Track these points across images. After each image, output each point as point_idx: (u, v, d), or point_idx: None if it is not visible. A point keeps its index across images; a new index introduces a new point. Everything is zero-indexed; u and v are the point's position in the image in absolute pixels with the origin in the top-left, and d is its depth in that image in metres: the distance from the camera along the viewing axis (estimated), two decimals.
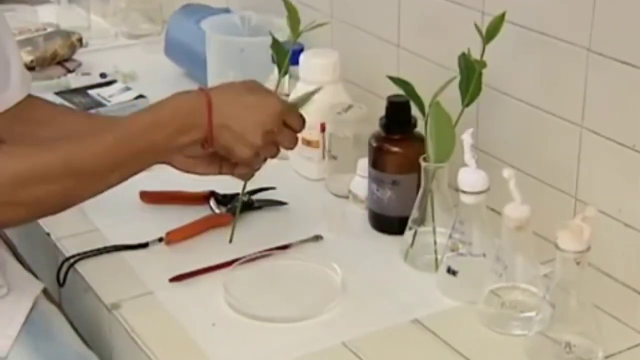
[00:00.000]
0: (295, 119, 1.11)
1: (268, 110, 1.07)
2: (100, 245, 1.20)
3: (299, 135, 1.35)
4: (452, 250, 1.09)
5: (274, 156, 1.12)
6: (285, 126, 1.09)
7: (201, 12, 1.69)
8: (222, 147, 1.08)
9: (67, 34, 1.81)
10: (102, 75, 1.72)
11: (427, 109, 1.12)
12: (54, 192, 1.01)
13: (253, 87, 1.11)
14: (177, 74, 1.74)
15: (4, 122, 1.13)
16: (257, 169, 1.16)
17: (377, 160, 1.22)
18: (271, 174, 1.37)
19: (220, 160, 1.14)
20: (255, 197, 1.31)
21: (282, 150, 1.41)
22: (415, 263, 1.16)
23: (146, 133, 1.05)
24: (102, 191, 1.06)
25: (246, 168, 1.13)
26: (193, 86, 1.63)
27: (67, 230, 1.24)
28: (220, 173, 1.17)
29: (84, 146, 1.03)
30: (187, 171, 1.15)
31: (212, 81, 1.56)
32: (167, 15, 1.85)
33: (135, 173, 1.08)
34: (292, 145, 1.11)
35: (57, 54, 1.76)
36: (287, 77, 1.40)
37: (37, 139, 1.18)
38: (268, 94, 1.10)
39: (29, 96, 1.18)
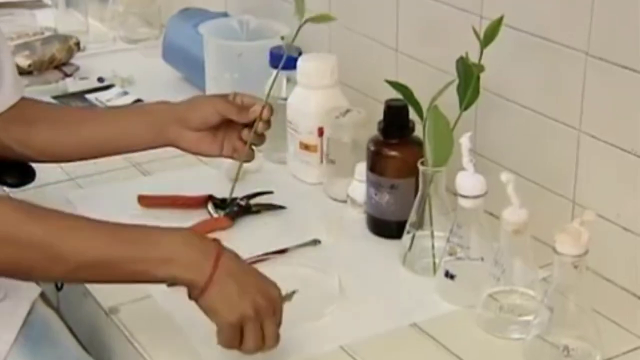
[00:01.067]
0: (281, 313, 0.99)
1: (267, 291, 0.98)
2: None
3: (299, 140, 1.36)
4: (450, 254, 1.09)
5: (252, 347, 0.97)
6: (274, 314, 0.98)
7: (199, 16, 1.69)
8: (210, 301, 0.96)
9: (64, 38, 1.80)
10: (100, 79, 1.72)
11: (425, 113, 1.12)
12: (17, 259, 0.94)
13: (255, 271, 1.02)
14: (175, 78, 1.74)
15: None
16: (251, 159, 1.18)
17: (375, 165, 1.22)
18: (269, 178, 1.38)
19: (222, 140, 1.21)
20: (253, 201, 1.31)
21: (280, 154, 1.42)
22: (414, 267, 1.16)
23: (140, 263, 0.96)
24: (48, 280, 1.02)
25: (222, 337, 0.97)
26: (191, 90, 1.64)
27: None
28: (221, 155, 1.20)
29: (71, 237, 0.95)
30: (191, 150, 1.18)
31: (210, 85, 1.56)
32: (165, 20, 1.85)
33: (90, 281, 1.03)
34: (274, 340, 0.98)
35: (54, 58, 1.76)
36: (285, 81, 1.41)
37: (34, 137, 1.19)
38: (271, 280, 1.00)
39: (23, 98, 1.19)
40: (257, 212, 1.29)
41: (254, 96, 1.24)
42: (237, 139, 1.23)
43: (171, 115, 1.22)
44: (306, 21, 1.22)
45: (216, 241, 0.99)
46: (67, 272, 0.96)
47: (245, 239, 1.23)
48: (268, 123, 1.23)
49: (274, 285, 0.99)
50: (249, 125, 1.22)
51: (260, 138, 1.24)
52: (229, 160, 1.28)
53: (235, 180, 1.26)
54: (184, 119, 1.21)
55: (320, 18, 1.23)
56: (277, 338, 0.98)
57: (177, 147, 1.23)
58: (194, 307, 1.09)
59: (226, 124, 1.22)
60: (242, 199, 1.30)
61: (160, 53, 1.78)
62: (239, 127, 1.23)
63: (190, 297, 0.97)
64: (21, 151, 1.22)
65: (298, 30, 1.22)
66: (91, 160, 1.27)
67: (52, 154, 1.24)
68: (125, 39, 1.94)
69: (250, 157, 1.24)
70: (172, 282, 0.98)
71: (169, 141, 1.23)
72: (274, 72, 1.33)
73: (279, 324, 0.99)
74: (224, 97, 1.24)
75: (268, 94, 1.25)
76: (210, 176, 1.36)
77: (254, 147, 1.24)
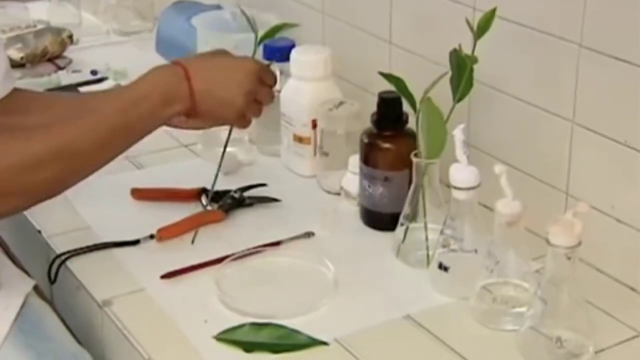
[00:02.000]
0: (269, 75, 1.16)
1: (245, 70, 1.12)
2: (91, 243, 1.20)
3: (292, 133, 1.36)
4: (444, 246, 1.09)
5: (257, 115, 1.16)
6: (262, 84, 1.14)
7: (192, 8, 1.69)
8: (206, 113, 1.11)
9: (57, 31, 1.80)
10: (93, 72, 1.72)
11: (418, 105, 1.12)
12: (47, 179, 1.02)
13: (224, 53, 1.15)
14: None
15: None
16: (249, 123, 1.20)
17: (369, 157, 1.22)
18: (263, 171, 1.38)
19: None
20: (246, 194, 1.30)
21: (273, 146, 1.42)
22: (407, 259, 1.16)
23: (130, 108, 1.07)
24: (94, 171, 1.08)
25: (238, 125, 1.17)
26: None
27: (58, 227, 1.24)
28: (212, 125, 1.22)
29: (70, 130, 1.05)
30: (181, 127, 1.20)
31: None
32: (158, 12, 1.85)
33: (123, 150, 1.09)
34: (271, 100, 1.17)
35: (47, 51, 1.75)
36: (278, 73, 1.41)
37: (27, 127, 1.19)
38: (241, 57, 1.15)
39: (15, 89, 1.20)
40: (251, 204, 1.29)
41: None
42: None
43: None
44: (262, 39, 1.25)
45: (176, 60, 1.11)
46: (89, 163, 1.07)
47: (238, 231, 1.23)
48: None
49: (246, 60, 1.12)
50: None
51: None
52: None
53: (221, 161, 1.26)
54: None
55: (275, 29, 1.25)
56: (272, 96, 1.16)
57: (169, 125, 1.23)
58: (186, 300, 1.09)
59: None
60: (235, 191, 1.30)
61: (154, 46, 1.78)
62: None
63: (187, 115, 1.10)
64: None
65: (255, 49, 1.24)
66: None
67: None
68: (118, 32, 1.94)
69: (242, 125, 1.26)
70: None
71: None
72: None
73: (274, 84, 1.15)
74: None
75: (253, 54, 1.25)
76: (204, 169, 1.36)
77: None
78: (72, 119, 1.07)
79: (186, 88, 1.08)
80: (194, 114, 1.10)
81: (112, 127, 1.06)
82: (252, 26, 1.24)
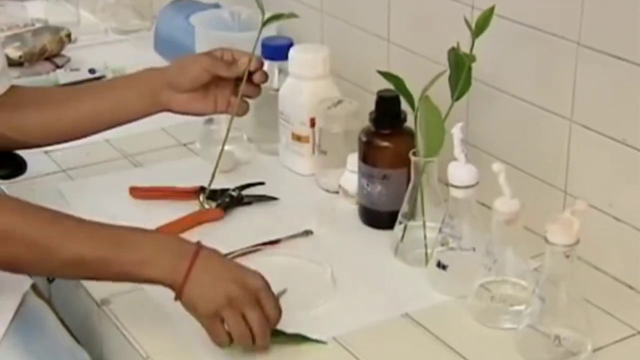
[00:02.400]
0: (271, 303, 0.99)
1: (245, 282, 0.98)
2: None
3: (291, 131, 1.36)
4: (442, 245, 1.09)
5: (238, 336, 0.98)
6: (259, 306, 0.98)
7: (191, 7, 1.68)
8: (189, 298, 0.97)
9: (55, 30, 1.80)
10: (91, 71, 1.72)
11: (416, 104, 1.12)
12: (10, 255, 0.97)
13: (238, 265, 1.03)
14: None
15: None
16: (244, 113, 1.19)
17: (367, 155, 1.22)
18: (261, 170, 1.38)
19: (215, 97, 1.23)
20: (245, 192, 1.30)
21: (272, 145, 1.42)
22: (406, 257, 1.16)
23: (116, 264, 0.98)
24: (48, 275, 1.05)
25: (209, 334, 0.99)
26: None
27: None
28: (215, 111, 1.22)
29: (62, 236, 0.98)
30: (185, 111, 1.19)
31: None
32: (156, 11, 1.84)
33: (93, 278, 1.03)
34: (259, 327, 0.98)
35: (45, 50, 1.75)
36: (276, 72, 1.41)
37: (25, 122, 1.20)
38: (253, 271, 1.01)
39: (12, 86, 1.20)
40: (249, 203, 1.29)
41: (240, 50, 1.25)
42: (230, 94, 1.25)
43: (160, 81, 1.23)
44: (267, 21, 1.24)
45: (197, 243, 1.00)
46: (54, 268, 1.00)
47: (237, 230, 1.23)
48: (265, 75, 1.25)
49: (254, 274, 0.99)
50: (241, 78, 1.23)
51: (255, 89, 1.26)
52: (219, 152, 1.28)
53: (219, 159, 1.26)
54: (173, 83, 1.23)
55: (279, 15, 1.25)
56: (263, 327, 0.98)
57: (170, 110, 1.24)
58: None
59: (217, 81, 1.24)
60: (233, 190, 1.30)
61: (152, 44, 1.78)
62: (232, 82, 1.25)
63: (175, 298, 0.99)
64: (14, 137, 1.22)
65: (260, 30, 1.25)
66: (89, 137, 1.27)
67: (44, 136, 1.23)
68: (116, 30, 1.94)
69: (243, 111, 1.26)
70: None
71: (161, 107, 1.24)
72: (266, 62, 1.32)
73: (273, 317, 0.99)
74: (211, 54, 1.25)
75: (254, 47, 1.25)
76: (202, 168, 1.36)
77: (247, 100, 1.26)
78: (69, 225, 0.99)
79: (185, 265, 0.97)
80: (177, 294, 0.98)
81: (86, 260, 0.97)
82: (259, 4, 1.23)
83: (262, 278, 1.00)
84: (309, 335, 1.02)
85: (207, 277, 0.97)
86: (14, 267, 1.00)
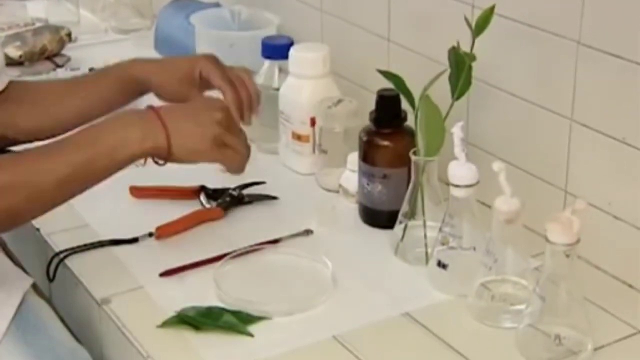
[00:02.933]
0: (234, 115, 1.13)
1: (216, 103, 1.10)
2: (90, 240, 1.20)
3: (291, 130, 1.36)
4: (443, 244, 1.09)
5: (243, 149, 1.10)
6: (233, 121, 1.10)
7: (191, 6, 1.69)
8: (180, 149, 1.06)
9: (56, 29, 1.80)
10: (92, 70, 1.71)
11: (417, 103, 1.12)
12: (3, 209, 1.00)
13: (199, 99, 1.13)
14: None
15: None
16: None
17: (368, 154, 1.22)
18: (261, 169, 1.38)
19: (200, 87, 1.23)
20: (245, 191, 1.30)
21: (272, 144, 1.42)
22: (406, 257, 1.16)
23: (97, 144, 1.04)
24: (52, 208, 1.05)
25: (225, 166, 1.12)
26: None
27: (56, 225, 1.23)
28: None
29: (33, 164, 1.03)
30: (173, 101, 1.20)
31: None
32: (156, 10, 1.84)
33: (87, 188, 1.06)
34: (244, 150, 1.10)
35: (46, 49, 1.75)
36: (277, 71, 1.41)
37: (20, 119, 1.21)
38: (207, 97, 1.12)
39: (10, 81, 1.21)
40: (250, 202, 1.29)
41: (243, 70, 1.25)
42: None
43: (144, 76, 1.23)
44: None
45: (149, 107, 1.07)
46: (48, 199, 1.04)
47: (237, 229, 1.23)
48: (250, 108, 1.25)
49: (215, 100, 1.09)
50: None
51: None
52: None
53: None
54: (158, 82, 1.23)
55: None
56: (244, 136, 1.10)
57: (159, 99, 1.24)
58: (185, 297, 1.09)
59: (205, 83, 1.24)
60: (234, 189, 1.30)
61: (152, 44, 1.78)
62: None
63: (161, 162, 1.05)
64: (10, 134, 1.23)
65: None
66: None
67: (38, 132, 1.23)
68: (116, 30, 1.94)
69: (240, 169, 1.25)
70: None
71: (145, 94, 1.26)
72: (266, 62, 1.32)
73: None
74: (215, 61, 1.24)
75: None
76: (202, 167, 1.35)
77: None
78: (39, 153, 1.05)
79: (159, 125, 1.04)
80: (168, 154, 1.05)
81: (74, 164, 1.03)
82: None
83: (218, 100, 1.11)
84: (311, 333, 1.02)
85: (185, 121, 1.05)
86: (12, 217, 1.02)
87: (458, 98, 1.14)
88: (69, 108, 1.24)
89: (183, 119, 1.06)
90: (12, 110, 1.21)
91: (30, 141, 1.26)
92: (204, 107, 1.09)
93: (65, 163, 1.02)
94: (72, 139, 1.06)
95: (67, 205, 1.26)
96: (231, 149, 1.09)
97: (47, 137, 1.26)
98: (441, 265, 1.09)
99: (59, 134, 1.25)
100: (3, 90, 1.21)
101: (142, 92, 1.25)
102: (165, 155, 1.06)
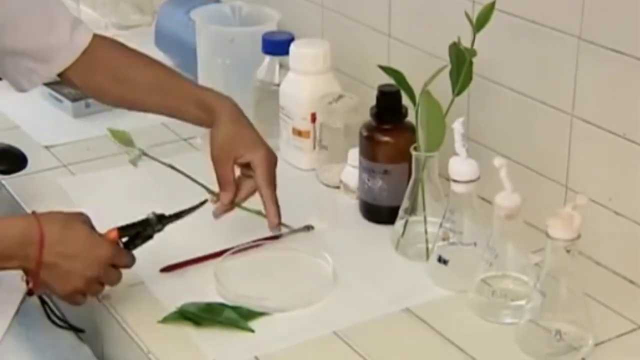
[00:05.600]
0: (124, 260, 1.06)
1: (97, 258, 1.03)
2: None
3: (292, 126, 1.36)
4: (443, 240, 1.09)
5: (95, 294, 1.07)
6: (112, 267, 1.05)
7: (191, 2, 1.68)
8: (43, 282, 1.02)
9: None
10: None
11: (417, 99, 1.12)
12: None
13: (85, 225, 1.05)
14: (167, 64, 1.73)
15: (75, 73, 1.20)
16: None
17: (368, 150, 1.22)
18: None
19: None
20: None
21: (272, 140, 1.41)
22: (407, 252, 1.16)
23: None
24: None
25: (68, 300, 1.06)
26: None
27: None
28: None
29: None
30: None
31: (202, 71, 1.55)
32: (157, 6, 1.84)
33: None
34: (116, 283, 1.06)
35: None
36: (277, 67, 1.41)
37: (93, 82, 1.22)
38: (100, 241, 1.05)
39: (99, 41, 1.22)
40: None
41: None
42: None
43: (216, 131, 1.18)
44: None
45: (35, 217, 1.02)
46: None
47: (238, 224, 1.23)
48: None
49: (100, 246, 1.03)
50: None
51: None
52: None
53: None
54: (232, 149, 1.18)
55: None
56: (119, 278, 1.06)
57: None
58: (186, 293, 1.09)
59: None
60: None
61: (153, 40, 1.78)
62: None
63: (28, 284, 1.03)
64: (88, 94, 1.29)
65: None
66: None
67: (103, 99, 1.27)
68: (117, 26, 1.93)
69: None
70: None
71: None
72: (267, 57, 1.32)
73: (125, 265, 1.06)
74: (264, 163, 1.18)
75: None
76: (203, 163, 1.35)
77: None
78: None
79: (36, 253, 1.00)
80: (32, 278, 1.02)
81: None
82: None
83: (105, 246, 1.04)
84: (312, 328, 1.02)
85: (60, 261, 1.01)
86: None
87: (459, 94, 1.14)
88: (151, 103, 1.23)
89: (63, 252, 1.02)
90: (99, 81, 1.21)
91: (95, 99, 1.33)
92: (89, 247, 1.04)
93: None
94: None
95: (67, 201, 1.26)
96: (97, 286, 1.05)
97: (112, 104, 1.31)
98: (442, 260, 1.10)
99: (122, 107, 1.29)
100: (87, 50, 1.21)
101: (208, 127, 1.21)
102: (32, 276, 1.02)
